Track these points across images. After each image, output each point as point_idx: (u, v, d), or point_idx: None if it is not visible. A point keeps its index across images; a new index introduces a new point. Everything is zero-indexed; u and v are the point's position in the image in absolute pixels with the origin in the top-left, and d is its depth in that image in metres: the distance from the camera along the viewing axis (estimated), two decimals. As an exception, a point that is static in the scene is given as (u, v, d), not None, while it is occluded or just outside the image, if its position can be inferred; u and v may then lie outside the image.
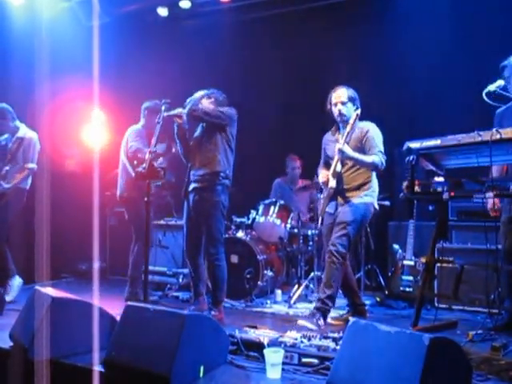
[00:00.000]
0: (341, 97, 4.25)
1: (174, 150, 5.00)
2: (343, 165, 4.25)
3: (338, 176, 4.23)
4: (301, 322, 4.10)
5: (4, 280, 5.13)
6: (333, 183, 4.20)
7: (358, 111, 4.15)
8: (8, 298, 4.88)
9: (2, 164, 5.26)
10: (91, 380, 2.88)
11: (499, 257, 3.72)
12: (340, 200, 4.27)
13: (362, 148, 4.18)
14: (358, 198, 4.20)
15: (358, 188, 4.23)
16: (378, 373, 2.41)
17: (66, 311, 3.26)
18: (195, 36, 6.97)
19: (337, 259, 4.07)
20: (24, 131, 5.29)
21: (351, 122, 4.14)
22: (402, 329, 2.51)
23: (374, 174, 4.29)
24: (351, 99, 4.25)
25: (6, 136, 5.32)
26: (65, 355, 3.12)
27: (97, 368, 2.93)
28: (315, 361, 2.99)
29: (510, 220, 3.95)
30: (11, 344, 3.38)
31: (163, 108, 4.05)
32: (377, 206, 4.34)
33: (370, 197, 4.25)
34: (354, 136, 4.23)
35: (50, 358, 3.03)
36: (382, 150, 4.18)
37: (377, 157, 4.11)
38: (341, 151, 4.10)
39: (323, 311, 4.09)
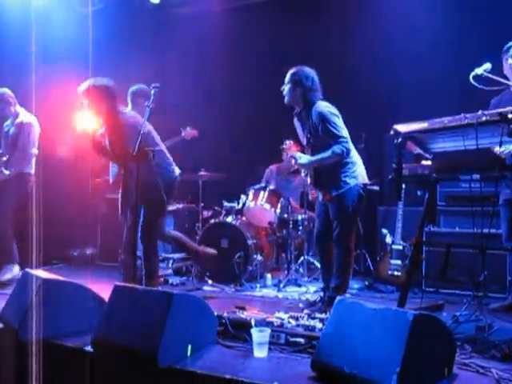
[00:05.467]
0: (286, 77, 4.15)
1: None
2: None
3: (312, 170, 4.16)
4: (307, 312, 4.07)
5: (2, 263, 5.15)
6: (308, 180, 4.20)
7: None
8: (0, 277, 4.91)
9: (4, 150, 5.28)
10: (81, 360, 2.90)
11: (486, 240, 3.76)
12: (323, 193, 4.18)
13: (322, 138, 4.02)
14: (338, 187, 4.04)
15: (337, 173, 4.05)
16: (363, 350, 2.45)
17: (55, 293, 3.28)
18: (186, 23, 6.96)
19: (339, 250, 4.10)
20: (23, 116, 5.31)
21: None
22: (388, 306, 2.56)
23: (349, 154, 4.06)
24: (292, 81, 4.09)
25: (8, 122, 5.35)
26: (54, 336, 3.13)
27: (86, 348, 2.96)
28: (302, 340, 3.02)
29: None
30: (1, 326, 3.40)
31: (152, 92, 4.05)
32: (365, 181, 4.16)
33: (353, 178, 4.06)
34: (311, 125, 4.08)
35: (40, 338, 3.06)
36: (341, 134, 3.96)
37: (336, 147, 3.93)
38: (299, 165, 4.08)
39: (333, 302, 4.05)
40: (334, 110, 4.06)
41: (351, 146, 4.11)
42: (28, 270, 3.54)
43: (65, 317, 3.22)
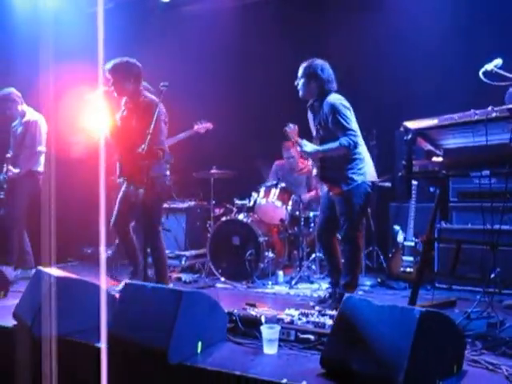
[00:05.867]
0: (299, 71, 4.16)
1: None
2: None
3: (318, 162, 4.14)
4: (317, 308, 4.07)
5: (17, 263, 5.23)
6: (314, 171, 4.20)
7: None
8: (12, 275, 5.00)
9: (13, 149, 5.36)
10: (92, 356, 2.94)
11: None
12: (329, 187, 4.17)
13: (331, 130, 4.02)
14: (345, 184, 4.02)
15: (344, 169, 4.03)
16: (370, 346, 2.46)
17: (68, 290, 3.34)
18: (196, 21, 6.97)
19: (346, 247, 4.11)
20: (30, 115, 5.38)
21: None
22: (395, 303, 2.56)
23: (357, 147, 4.03)
24: (307, 74, 4.10)
25: (16, 122, 5.42)
26: (67, 332, 3.18)
27: (97, 344, 3.00)
28: (312, 337, 3.03)
29: None
30: (15, 323, 3.46)
31: (161, 90, 4.08)
32: (373, 179, 4.14)
33: (360, 175, 4.03)
34: (322, 116, 4.08)
35: (52, 335, 3.10)
36: (350, 127, 3.94)
37: (344, 139, 3.91)
38: (303, 152, 4.06)
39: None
40: (346, 103, 4.05)
41: (361, 142, 4.09)
42: (41, 268, 3.58)
43: (77, 314, 3.27)
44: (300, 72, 4.14)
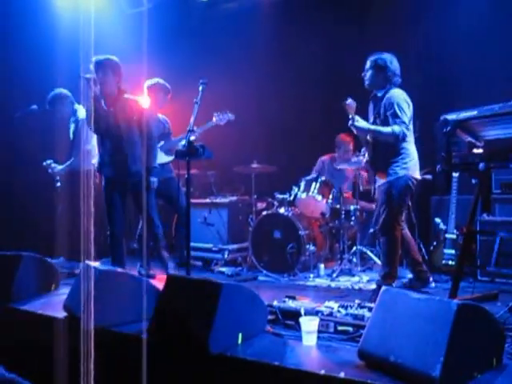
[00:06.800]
0: (367, 63, 4.29)
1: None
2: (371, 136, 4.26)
3: (368, 147, 4.26)
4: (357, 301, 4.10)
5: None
6: (365, 158, 4.26)
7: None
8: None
9: (69, 149, 5.55)
10: (136, 347, 3.05)
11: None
12: (376, 175, 4.30)
13: (387, 122, 4.14)
14: (388, 175, 4.15)
15: (389, 161, 4.16)
16: (407, 339, 2.48)
17: (113, 283, 3.47)
18: (235, 19, 7.02)
19: (384, 238, 4.16)
20: (79, 113, 5.55)
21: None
22: (432, 296, 2.57)
23: (404, 142, 4.15)
24: (377, 65, 4.22)
25: (70, 119, 5.62)
26: (112, 324, 3.31)
27: (141, 335, 3.11)
28: (350, 329, 3.07)
29: None
30: (65, 314, 3.62)
31: (200, 88, 4.15)
32: (417, 176, 4.23)
33: (403, 169, 4.15)
34: (381, 106, 4.20)
35: (99, 326, 3.24)
36: (404, 120, 4.07)
37: (397, 126, 4.04)
38: (352, 126, 4.12)
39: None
40: (408, 99, 4.18)
41: (411, 139, 4.22)
42: (87, 261, 3.72)
43: (122, 306, 3.39)
44: (368, 64, 4.28)
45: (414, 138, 4.28)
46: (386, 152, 4.17)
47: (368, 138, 4.31)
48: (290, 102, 6.69)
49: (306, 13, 6.59)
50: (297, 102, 6.49)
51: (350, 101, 4.20)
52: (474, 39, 5.51)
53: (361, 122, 4.17)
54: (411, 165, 4.18)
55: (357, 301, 3.78)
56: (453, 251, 4.84)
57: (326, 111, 6.42)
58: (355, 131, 4.25)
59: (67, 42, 5.98)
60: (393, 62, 4.23)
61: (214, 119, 5.45)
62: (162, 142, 5.48)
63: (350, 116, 4.18)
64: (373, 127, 4.15)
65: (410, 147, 4.21)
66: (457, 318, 2.33)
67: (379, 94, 4.25)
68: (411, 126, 4.18)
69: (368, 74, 4.28)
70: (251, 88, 6.65)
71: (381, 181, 4.24)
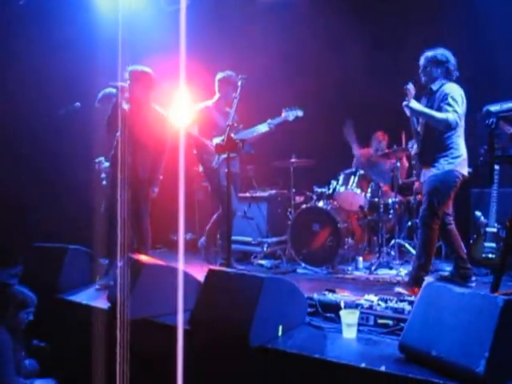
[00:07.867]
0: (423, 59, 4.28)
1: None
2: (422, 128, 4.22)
3: (418, 139, 4.24)
4: (397, 290, 4.07)
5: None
6: (414, 149, 4.23)
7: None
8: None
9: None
10: (178, 337, 3.11)
11: None
12: (423, 168, 4.26)
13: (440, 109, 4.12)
14: (435, 168, 4.11)
15: (438, 155, 4.12)
16: (450, 333, 2.46)
17: (156, 276, 3.55)
18: (272, 13, 6.99)
19: (422, 229, 4.13)
20: None
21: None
22: (475, 290, 2.54)
23: (455, 136, 4.12)
24: (436, 61, 4.22)
25: None
26: (155, 315, 3.40)
27: (183, 326, 3.16)
28: (390, 322, 3.06)
29: None
30: (109, 305, 3.72)
31: (239, 83, 4.18)
32: (465, 172, 4.16)
33: (451, 164, 4.09)
34: (435, 99, 4.18)
35: (142, 317, 3.32)
36: (457, 110, 4.03)
37: (451, 114, 3.99)
38: (406, 106, 4.12)
39: (416, 280, 4.07)
40: (463, 93, 4.15)
41: (461, 134, 4.17)
42: (130, 255, 3.80)
43: (164, 297, 3.43)
44: (424, 60, 4.26)
45: (464, 135, 4.22)
46: (435, 145, 4.14)
47: (418, 129, 4.27)
48: (329, 96, 6.65)
49: (349, 6, 6.51)
50: (336, 97, 6.44)
51: (410, 85, 4.19)
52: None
53: (414, 103, 4.15)
54: (460, 160, 4.12)
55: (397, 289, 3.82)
56: (493, 244, 4.75)
57: (366, 106, 6.37)
58: (408, 113, 4.21)
59: (106, 41, 6.09)
60: (449, 57, 4.23)
61: (282, 114, 5.29)
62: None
63: (408, 98, 4.17)
64: (427, 110, 4.11)
65: (460, 142, 4.15)
66: (503, 314, 2.29)
67: (434, 88, 4.21)
68: (462, 123, 4.13)
69: (427, 70, 4.26)
70: (290, 81, 6.62)
71: (427, 174, 4.19)
